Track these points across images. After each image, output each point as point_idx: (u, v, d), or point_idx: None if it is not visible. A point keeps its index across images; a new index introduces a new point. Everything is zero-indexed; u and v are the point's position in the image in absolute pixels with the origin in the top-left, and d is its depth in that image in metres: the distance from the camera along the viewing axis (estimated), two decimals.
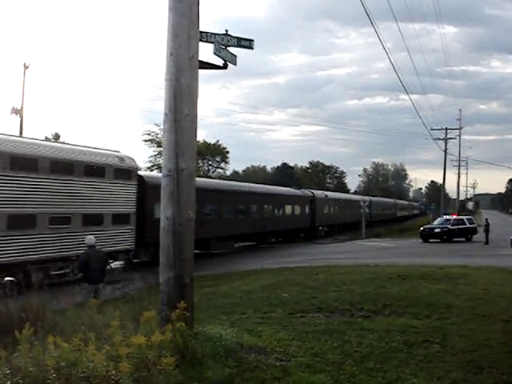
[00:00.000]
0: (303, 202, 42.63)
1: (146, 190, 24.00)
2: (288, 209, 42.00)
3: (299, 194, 44.96)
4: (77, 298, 12.57)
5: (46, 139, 71.74)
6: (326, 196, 50.89)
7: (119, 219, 22.27)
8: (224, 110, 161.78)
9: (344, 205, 53.49)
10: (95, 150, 22.35)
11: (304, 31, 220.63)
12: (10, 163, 17.32)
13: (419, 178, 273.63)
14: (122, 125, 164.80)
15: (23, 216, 17.62)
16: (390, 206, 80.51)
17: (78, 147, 21.65)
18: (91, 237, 14.02)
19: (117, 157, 23.11)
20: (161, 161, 36.28)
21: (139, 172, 25.56)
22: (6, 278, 17.05)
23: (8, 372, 5.51)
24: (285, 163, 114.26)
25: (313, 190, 49.70)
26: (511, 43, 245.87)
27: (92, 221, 20.68)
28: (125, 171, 22.87)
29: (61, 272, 19.54)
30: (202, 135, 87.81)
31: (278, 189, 43.29)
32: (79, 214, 20.18)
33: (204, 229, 26.18)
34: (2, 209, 16.82)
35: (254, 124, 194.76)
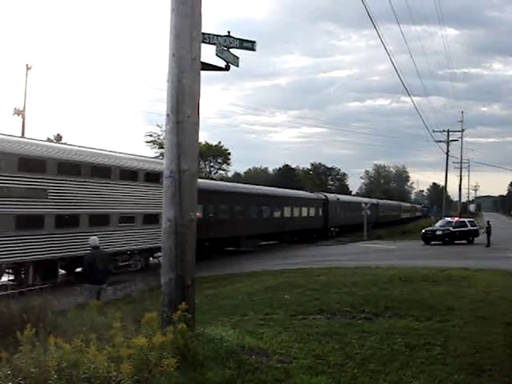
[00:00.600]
0: (317, 204, 45.82)
1: None
2: (304, 211, 45.05)
3: (314, 197, 48.19)
4: (79, 298, 12.58)
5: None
6: (338, 199, 53.90)
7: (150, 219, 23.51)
8: (225, 111, 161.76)
9: (354, 207, 55.98)
10: (129, 156, 23.91)
11: (305, 33, 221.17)
12: (58, 168, 19.03)
13: (421, 180, 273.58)
14: (123, 126, 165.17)
15: (67, 216, 19.37)
16: (395, 209, 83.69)
17: (114, 153, 23.01)
18: (95, 237, 14.04)
19: (147, 162, 24.78)
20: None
21: None
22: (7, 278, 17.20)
23: (9, 373, 5.51)
24: (287, 165, 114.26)
25: (326, 194, 53.23)
26: None
27: (126, 220, 22.29)
28: (154, 175, 23.75)
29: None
30: (204, 137, 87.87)
31: (296, 192, 47.68)
32: (116, 213, 21.82)
33: (236, 228, 31.44)
34: (49, 210, 18.47)
35: (256, 126, 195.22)
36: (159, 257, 21.24)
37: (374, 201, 67.46)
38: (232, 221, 31.26)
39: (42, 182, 18.12)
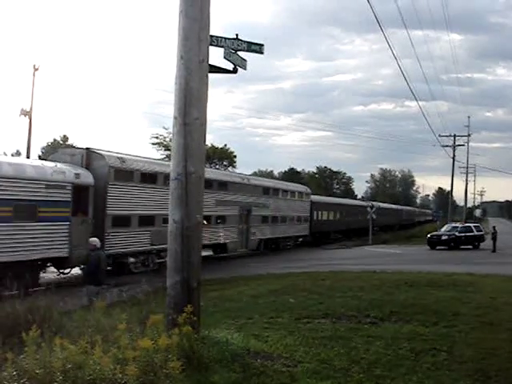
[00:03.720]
0: (365, 210, 55.65)
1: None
2: (361, 215, 57.24)
3: (364, 205, 60.62)
4: (83, 300, 12.57)
5: (55, 141, 71.46)
6: (379, 206, 66.51)
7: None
8: (230, 114, 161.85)
9: (388, 212, 74.23)
10: (213, 171, 33.20)
11: (309, 37, 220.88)
12: (141, 178, 23.77)
13: (426, 184, 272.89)
14: (128, 127, 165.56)
15: (147, 216, 23.93)
16: (412, 213, 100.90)
17: (207, 170, 29.20)
18: (96, 239, 14.01)
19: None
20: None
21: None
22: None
23: (14, 373, 5.52)
24: (292, 168, 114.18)
25: (372, 202, 67.20)
26: None
27: (210, 220, 28.88)
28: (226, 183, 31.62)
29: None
30: (209, 139, 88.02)
31: (354, 201, 68.61)
32: (206, 216, 24.50)
33: (340, 225, 54.67)
34: (134, 211, 23.24)
35: (260, 129, 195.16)
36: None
37: (399, 207, 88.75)
38: (339, 221, 52.55)
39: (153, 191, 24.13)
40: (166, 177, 22.38)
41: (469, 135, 67.75)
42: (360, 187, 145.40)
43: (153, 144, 60.50)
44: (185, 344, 6.68)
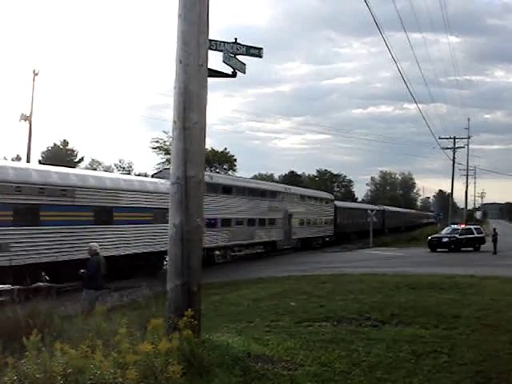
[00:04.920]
0: (379, 213, 62.41)
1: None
2: (375, 217, 62.02)
3: (378, 209, 66.13)
4: (82, 304, 12.54)
5: (55, 146, 71.50)
6: (390, 210, 76.13)
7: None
8: (229, 118, 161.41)
9: (397, 215, 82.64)
10: (257, 181, 43.52)
11: (307, 40, 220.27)
12: (223, 190, 32.28)
13: (426, 187, 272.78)
14: (128, 131, 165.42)
15: (225, 219, 32.04)
16: (416, 216, 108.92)
17: (261, 182, 44.84)
18: (95, 244, 14.02)
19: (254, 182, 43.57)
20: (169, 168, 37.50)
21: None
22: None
23: (15, 378, 5.53)
24: (292, 171, 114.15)
25: (384, 206, 75.51)
26: None
27: (265, 223, 37.47)
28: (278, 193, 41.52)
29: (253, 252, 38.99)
30: (209, 143, 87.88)
31: (368, 206, 71.83)
32: (258, 219, 36.61)
33: (362, 226, 56.64)
34: (218, 215, 30.77)
35: (260, 132, 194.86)
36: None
37: (405, 210, 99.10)
38: (357, 223, 56.38)
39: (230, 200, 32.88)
40: (238, 189, 34.49)
41: (469, 137, 67.91)
42: (360, 190, 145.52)
43: (153, 148, 60.64)
44: (185, 348, 6.68)
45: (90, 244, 14.16)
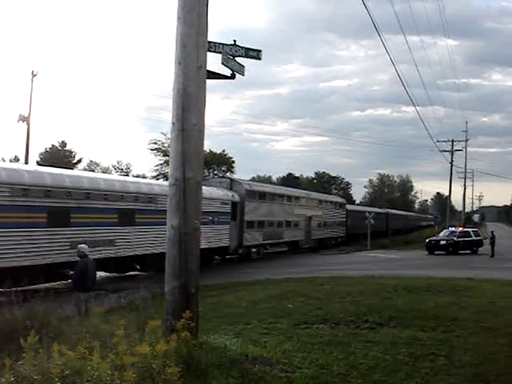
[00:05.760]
0: (383, 216, 69.61)
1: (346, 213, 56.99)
2: (378, 220, 64.96)
3: (381, 212, 71.93)
4: (70, 306, 12.43)
5: (53, 147, 71.36)
6: (393, 212, 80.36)
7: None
8: (227, 119, 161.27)
9: (400, 217, 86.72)
10: (290, 189, 51.37)
11: (304, 43, 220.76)
12: (259, 196, 36.94)
13: (424, 189, 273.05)
14: (126, 133, 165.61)
15: (260, 221, 36.63)
16: (416, 219, 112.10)
17: (288, 189, 50.49)
18: (84, 245, 13.91)
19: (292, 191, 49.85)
20: (167, 170, 37.62)
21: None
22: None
23: (12, 380, 5.51)
24: (290, 173, 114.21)
25: (388, 209, 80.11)
26: (511, 56, 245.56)
27: (290, 224, 42.34)
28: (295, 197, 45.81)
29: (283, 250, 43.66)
30: (207, 145, 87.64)
31: (375, 209, 72.22)
32: (285, 221, 41.35)
33: (381, 226, 67.50)
34: (255, 218, 35.80)
35: (258, 134, 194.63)
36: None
37: (407, 213, 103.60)
38: (366, 225, 53.98)
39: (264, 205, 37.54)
40: (270, 195, 39.23)
41: (466, 140, 68.02)
42: (358, 192, 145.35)
43: (151, 150, 60.55)
44: (183, 350, 6.67)
45: (79, 246, 13.99)
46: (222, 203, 31.66)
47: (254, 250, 35.87)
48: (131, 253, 24.12)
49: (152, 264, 23.56)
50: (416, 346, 9.50)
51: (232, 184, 34.65)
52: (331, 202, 55.27)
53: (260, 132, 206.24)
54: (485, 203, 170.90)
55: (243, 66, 10.05)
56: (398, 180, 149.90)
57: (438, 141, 62.74)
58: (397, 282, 19.15)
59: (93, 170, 75.20)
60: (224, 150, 72.95)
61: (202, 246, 24.92)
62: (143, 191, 25.41)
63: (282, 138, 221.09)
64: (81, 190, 21.29)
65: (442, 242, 42.48)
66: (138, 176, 61.54)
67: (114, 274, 24.93)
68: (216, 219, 30.25)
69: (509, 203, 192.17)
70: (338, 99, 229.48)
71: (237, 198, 33.24)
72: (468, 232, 44.99)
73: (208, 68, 8.44)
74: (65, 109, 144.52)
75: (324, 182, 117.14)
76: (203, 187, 28.50)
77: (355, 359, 8.54)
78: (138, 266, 25.57)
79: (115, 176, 47.65)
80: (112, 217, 23.00)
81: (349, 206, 62.09)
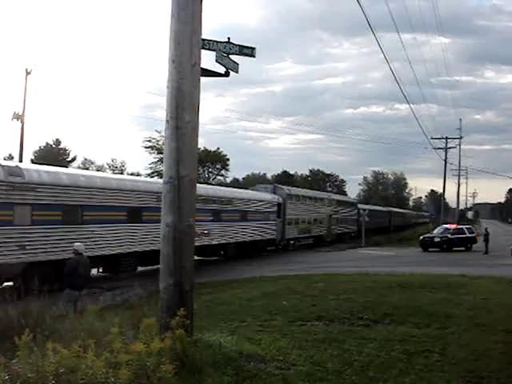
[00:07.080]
0: (386, 214, 79.22)
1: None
2: (382, 217, 74.88)
3: (384, 210, 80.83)
4: (58, 304, 12.36)
5: (47, 145, 71.06)
6: (396, 211, 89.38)
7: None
8: (221, 117, 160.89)
9: (399, 215, 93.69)
10: (317, 192, 60.25)
11: (298, 41, 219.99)
12: (296, 198, 45.53)
13: (418, 186, 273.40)
14: (120, 130, 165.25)
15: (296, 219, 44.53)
16: (413, 216, 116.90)
17: (316, 192, 58.87)
18: (80, 244, 13.87)
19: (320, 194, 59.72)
20: (161, 168, 37.61)
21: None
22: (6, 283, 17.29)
23: (7, 378, 5.49)
24: (285, 171, 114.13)
25: (390, 208, 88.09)
26: (503, 54, 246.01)
27: (317, 221, 49.93)
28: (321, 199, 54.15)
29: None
30: (201, 143, 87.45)
31: (379, 207, 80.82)
32: (313, 218, 48.93)
33: (384, 223, 76.52)
34: (293, 216, 43.35)
35: (252, 132, 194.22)
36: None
37: (405, 211, 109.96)
38: (373, 222, 63.97)
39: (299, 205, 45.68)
40: (303, 197, 47.84)
41: (460, 137, 68.04)
42: (353, 190, 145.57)
43: (145, 147, 60.48)
44: (178, 347, 6.67)
45: (75, 244, 13.90)
46: (271, 205, 39.55)
47: (292, 242, 43.85)
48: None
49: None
50: (410, 343, 9.54)
51: (275, 189, 42.86)
52: (346, 202, 64.20)
53: (254, 130, 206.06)
54: (479, 200, 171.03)
55: (237, 64, 10.03)
56: (392, 177, 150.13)
57: (432, 138, 62.77)
58: (391, 279, 19.20)
59: (87, 168, 75.08)
60: (218, 148, 73.07)
61: (259, 238, 38.57)
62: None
63: (275, 136, 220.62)
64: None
65: (436, 239, 42.60)
66: (132, 174, 61.34)
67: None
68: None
69: (502, 200, 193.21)
70: (331, 97, 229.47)
71: (280, 200, 41.04)
72: (462, 229, 45.14)
73: (202, 65, 8.43)
74: (59, 107, 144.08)
75: (319, 180, 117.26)
76: (258, 192, 36.77)
77: (350, 356, 8.58)
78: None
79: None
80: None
81: (360, 205, 68.99)
